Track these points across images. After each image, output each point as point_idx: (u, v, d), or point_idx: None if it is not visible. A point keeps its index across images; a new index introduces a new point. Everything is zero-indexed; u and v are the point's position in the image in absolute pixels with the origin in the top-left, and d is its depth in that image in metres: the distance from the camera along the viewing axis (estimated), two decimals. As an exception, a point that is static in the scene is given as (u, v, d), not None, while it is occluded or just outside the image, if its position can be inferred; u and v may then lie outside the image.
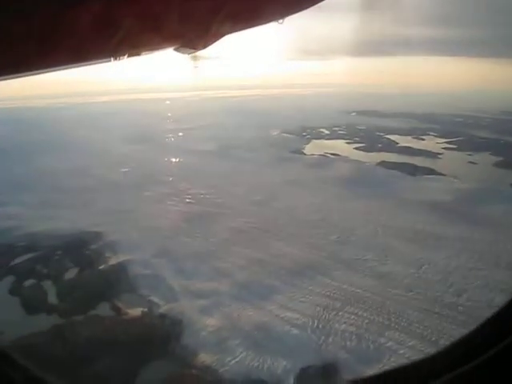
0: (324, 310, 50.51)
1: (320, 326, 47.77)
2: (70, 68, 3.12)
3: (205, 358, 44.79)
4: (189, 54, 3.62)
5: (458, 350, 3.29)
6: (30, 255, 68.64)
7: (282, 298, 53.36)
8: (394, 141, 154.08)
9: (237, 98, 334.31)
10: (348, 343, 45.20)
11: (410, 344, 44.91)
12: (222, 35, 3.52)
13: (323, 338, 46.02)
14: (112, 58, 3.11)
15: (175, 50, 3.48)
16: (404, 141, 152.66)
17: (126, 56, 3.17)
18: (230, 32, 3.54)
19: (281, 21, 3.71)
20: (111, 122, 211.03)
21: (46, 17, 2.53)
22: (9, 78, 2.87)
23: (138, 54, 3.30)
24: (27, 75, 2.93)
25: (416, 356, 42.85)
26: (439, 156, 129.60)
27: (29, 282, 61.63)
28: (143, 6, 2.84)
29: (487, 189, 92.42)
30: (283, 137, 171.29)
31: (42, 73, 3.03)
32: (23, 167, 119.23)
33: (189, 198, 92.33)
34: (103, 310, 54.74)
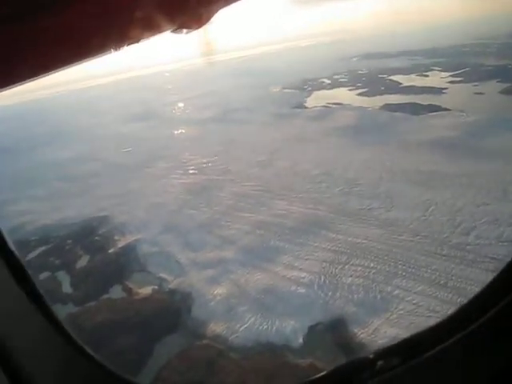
0: (330, 265, 50.14)
1: (327, 282, 47.53)
2: (74, 66, 3.16)
3: (215, 327, 45.20)
4: (186, 33, 3.55)
5: (450, 322, 3.39)
6: (42, 248, 69.67)
7: (287, 258, 53.16)
8: (397, 81, 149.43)
9: (235, 59, 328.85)
10: (355, 296, 44.89)
11: (417, 290, 44.39)
12: (217, 10, 3.50)
13: (330, 293, 45.84)
14: (112, 50, 3.12)
15: (172, 31, 3.43)
16: (407, 80, 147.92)
17: (125, 45, 3.19)
18: (225, 6, 3.55)
19: None
20: (110, 103, 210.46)
21: (44, 18, 2.53)
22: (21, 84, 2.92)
23: (137, 42, 3.29)
24: (36, 79, 2.98)
25: (423, 301, 42.64)
26: (444, 91, 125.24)
27: (43, 275, 62.54)
28: None
29: (494, 119, 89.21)
30: (284, 93, 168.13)
31: (47, 75, 3.04)
32: (29, 161, 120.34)
33: (192, 169, 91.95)
34: (116, 292, 55.49)
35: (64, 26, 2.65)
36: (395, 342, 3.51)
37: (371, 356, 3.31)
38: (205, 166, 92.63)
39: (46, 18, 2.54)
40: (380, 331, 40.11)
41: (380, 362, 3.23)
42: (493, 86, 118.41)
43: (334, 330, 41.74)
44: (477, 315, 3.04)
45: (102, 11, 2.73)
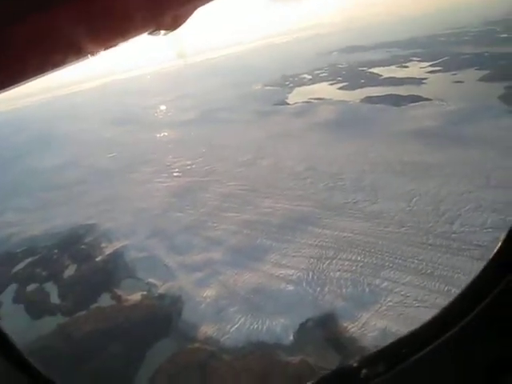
0: (317, 260, 50.21)
1: (315, 278, 47.58)
2: (50, 73, 3.06)
3: (206, 329, 45.08)
4: (164, 35, 3.48)
5: (430, 328, 3.34)
6: (29, 260, 69.15)
7: (275, 256, 53.14)
8: (377, 74, 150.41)
9: (215, 59, 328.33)
10: (344, 290, 45.00)
11: (405, 281, 44.60)
12: (194, 10, 3.44)
13: (319, 289, 45.89)
14: (89, 55, 3.05)
15: (149, 33, 3.35)
16: (387, 72, 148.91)
17: (102, 50, 3.10)
18: (202, 5, 3.46)
19: None
20: (94, 108, 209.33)
21: (18, 24, 2.46)
22: None
23: (114, 46, 3.19)
24: (12, 88, 2.89)
25: (411, 292, 42.92)
26: (424, 81, 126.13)
27: (31, 287, 62.07)
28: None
29: (474, 106, 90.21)
30: (266, 90, 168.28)
31: (24, 83, 2.98)
32: (14, 171, 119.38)
33: (176, 172, 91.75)
34: (105, 301, 55.09)
35: (38, 32, 2.60)
36: (380, 348, 3.50)
37: (355, 364, 3.30)
38: (189, 167, 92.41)
39: (20, 24, 2.48)
40: (369, 324, 40.27)
41: (364, 371, 3.23)
42: (471, 74, 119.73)
43: (324, 326, 41.79)
44: (464, 311, 3.05)
45: (76, 16, 2.68)
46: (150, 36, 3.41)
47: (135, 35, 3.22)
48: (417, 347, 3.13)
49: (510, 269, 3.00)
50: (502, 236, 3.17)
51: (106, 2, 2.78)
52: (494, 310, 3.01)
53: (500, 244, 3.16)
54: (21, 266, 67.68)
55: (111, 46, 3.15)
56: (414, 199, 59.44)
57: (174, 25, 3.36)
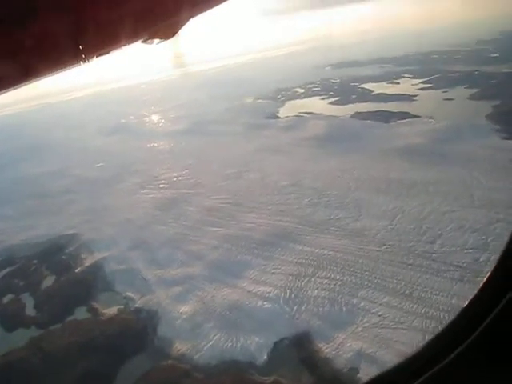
0: (296, 278, 49.64)
1: (292, 296, 46.99)
2: (40, 80, 3.06)
3: (180, 346, 44.33)
4: (157, 43, 3.54)
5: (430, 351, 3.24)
6: (7, 270, 68.16)
7: (253, 272, 52.57)
8: (368, 89, 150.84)
9: (209, 70, 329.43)
10: (320, 309, 44.44)
11: (383, 301, 44.11)
12: (188, 20, 3.49)
13: (296, 307, 45.30)
14: (81, 62, 3.03)
15: (143, 42, 3.39)
16: (379, 88, 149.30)
17: (95, 57, 3.12)
18: (195, 15, 3.52)
19: None
20: (86, 116, 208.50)
21: (12, 30, 2.47)
22: None
23: (107, 53, 3.23)
24: (4, 92, 2.89)
25: (389, 313, 42.36)
26: (414, 98, 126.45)
27: (7, 298, 61.07)
28: (106, 6, 2.79)
29: (462, 124, 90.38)
30: (257, 103, 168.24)
31: (13, 90, 2.98)
32: (1, 178, 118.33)
33: (162, 184, 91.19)
34: (81, 314, 54.21)
35: (31, 37, 2.56)
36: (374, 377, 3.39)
37: None
38: (175, 180, 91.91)
39: (14, 30, 2.47)
40: (345, 345, 39.66)
41: None
42: (461, 92, 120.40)
43: (299, 346, 41.15)
44: (465, 333, 2.94)
45: (69, 23, 2.66)
46: (143, 44, 3.49)
47: (128, 43, 3.26)
48: (415, 373, 3.03)
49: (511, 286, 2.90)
50: (501, 252, 3.03)
51: (99, 10, 2.78)
52: (495, 330, 2.89)
53: (498, 261, 3.07)
54: (-2, 276, 66.61)
55: (103, 54, 3.18)
56: (397, 217, 59.15)
57: (167, 34, 3.44)
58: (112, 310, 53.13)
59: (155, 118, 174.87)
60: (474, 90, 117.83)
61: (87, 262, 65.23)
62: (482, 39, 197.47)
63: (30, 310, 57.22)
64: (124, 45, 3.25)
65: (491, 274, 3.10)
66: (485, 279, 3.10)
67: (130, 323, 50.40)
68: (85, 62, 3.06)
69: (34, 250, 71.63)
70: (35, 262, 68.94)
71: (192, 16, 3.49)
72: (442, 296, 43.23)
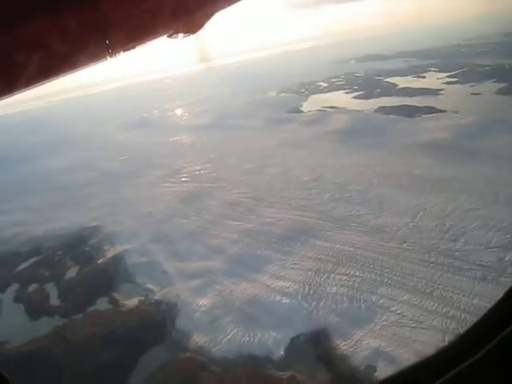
0: (315, 274, 49.39)
1: (311, 292, 46.78)
2: (68, 75, 3.11)
3: (198, 339, 44.62)
4: (183, 38, 3.59)
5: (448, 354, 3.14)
6: (33, 260, 69.66)
7: (273, 267, 52.48)
8: (393, 83, 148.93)
9: (233, 64, 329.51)
10: (339, 306, 44.11)
11: (402, 299, 43.51)
12: (213, 14, 3.51)
13: (314, 303, 45.07)
14: (108, 57, 3.10)
15: (169, 36, 3.44)
16: (404, 82, 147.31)
17: (121, 52, 3.18)
18: (221, 9, 3.54)
19: None
20: (111, 110, 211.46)
21: (36, 26, 2.49)
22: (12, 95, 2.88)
23: (134, 48, 3.30)
24: (27, 90, 2.93)
25: (408, 311, 41.81)
26: (440, 92, 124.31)
27: (32, 287, 62.42)
28: (133, 2, 2.86)
29: (489, 120, 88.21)
30: (281, 97, 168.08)
31: (42, 85, 3.02)
32: (24, 172, 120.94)
33: (184, 177, 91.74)
34: (102, 304, 55.02)
35: (58, 31, 2.61)
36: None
37: None
38: (197, 173, 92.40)
39: (40, 24, 2.49)
40: (362, 343, 39.32)
41: None
42: (489, 87, 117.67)
43: (316, 342, 40.95)
44: (478, 345, 2.83)
45: (96, 17, 2.70)
46: (168, 39, 3.52)
47: (154, 38, 3.32)
48: (434, 374, 2.95)
49: None
50: None
51: (125, 5, 2.84)
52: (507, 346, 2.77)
53: None
54: (24, 265, 68.16)
55: (130, 48, 3.25)
56: (419, 214, 58.24)
57: (192, 28, 3.47)
58: (132, 302, 53.77)
59: (178, 112, 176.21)
60: (503, 85, 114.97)
61: (109, 254, 66.13)
62: (509, 31, 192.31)
63: (54, 300, 58.40)
64: (150, 40, 3.31)
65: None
66: (509, 287, 2.99)
67: (150, 315, 50.92)
68: (111, 56, 3.11)
69: (59, 241, 72.94)
70: (59, 252, 70.23)
71: (217, 10, 3.51)
72: (464, 296, 42.41)
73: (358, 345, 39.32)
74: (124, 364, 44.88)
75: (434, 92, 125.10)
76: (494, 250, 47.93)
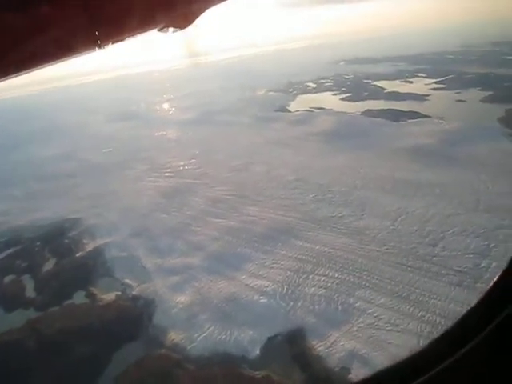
0: (294, 274, 49.44)
1: (289, 292, 46.81)
2: (58, 63, 3.12)
3: (174, 336, 44.39)
4: (173, 32, 3.58)
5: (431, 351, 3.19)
6: (11, 250, 68.57)
7: (252, 266, 52.43)
8: (381, 87, 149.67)
9: (224, 61, 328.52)
10: (316, 307, 44.21)
11: (379, 302, 43.75)
12: (205, 9, 3.50)
13: (292, 303, 45.11)
14: (97, 48, 3.07)
15: (159, 30, 3.44)
16: (391, 86, 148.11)
17: (110, 44, 3.16)
18: (213, 6, 3.54)
19: None
20: (99, 101, 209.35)
21: (24, 15, 2.49)
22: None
23: (123, 40, 3.26)
24: (16, 76, 2.93)
25: (384, 314, 42.06)
26: (426, 98, 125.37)
27: (8, 278, 61.48)
28: None
29: (473, 127, 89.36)
30: (269, 95, 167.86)
31: (30, 72, 3.02)
32: (9, 160, 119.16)
33: (168, 172, 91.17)
34: (79, 298, 54.40)
35: (47, 21, 2.57)
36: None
37: None
38: (181, 168, 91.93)
39: (30, 13, 2.48)
40: (338, 344, 39.47)
41: None
42: (474, 94, 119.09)
43: (292, 342, 41.02)
44: (456, 345, 2.85)
45: (85, 9, 2.67)
46: (159, 33, 3.53)
47: (144, 31, 3.31)
48: (405, 379, 3.01)
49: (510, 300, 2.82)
50: (504, 266, 2.94)
51: None
52: (489, 346, 2.82)
53: (500, 275, 3.00)
54: (1, 256, 67.08)
55: (119, 41, 3.22)
56: (400, 218, 58.65)
57: (183, 23, 3.46)
58: (110, 296, 53.29)
59: (166, 106, 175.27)
60: (488, 93, 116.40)
61: (89, 247, 65.43)
62: (497, 41, 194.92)
63: (30, 292, 57.57)
64: (139, 33, 3.31)
65: (491, 286, 3.02)
66: (484, 292, 3.03)
67: (127, 310, 50.56)
68: (100, 48, 3.11)
69: (38, 232, 72.01)
70: (38, 243, 69.29)
71: (209, 6, 3.52)
72: (440, 300, 42.82)
73: (334, 346, 39.45)
74: (98, 359, 44.40)
75: (421, 97, 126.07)
76: (472, 255, 48.46)
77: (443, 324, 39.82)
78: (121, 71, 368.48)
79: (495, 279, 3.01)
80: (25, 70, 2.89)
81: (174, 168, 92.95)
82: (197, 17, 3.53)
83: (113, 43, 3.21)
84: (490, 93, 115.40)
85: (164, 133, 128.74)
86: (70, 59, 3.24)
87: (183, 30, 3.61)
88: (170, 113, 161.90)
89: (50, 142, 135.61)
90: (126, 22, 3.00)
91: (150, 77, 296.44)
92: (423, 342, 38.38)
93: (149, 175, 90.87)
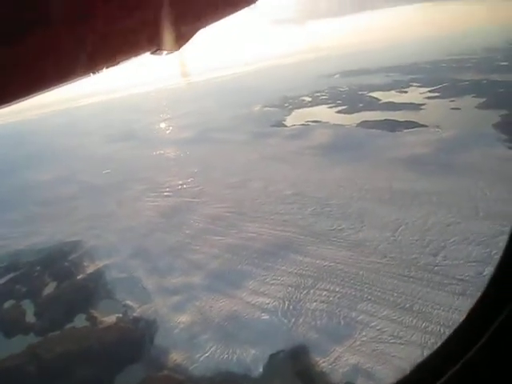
0: (295, 289, 49.08)
1: (291, 308, 46.42)
2: (49, 91, 2.96)
3: (176, 356, 43.96)
4: (166, 55, 3.45)
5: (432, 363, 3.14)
6: (11, 275, 68.31)
7: (253, 283, 52.08)
8: (376, 98, 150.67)
9: (218, 78, 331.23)
10: (318, 322, 43.80)
11: (382, 314, 43.35)
12: (197, 31, 3.47)
13: (293, 320, 44.70)
14: (91, 73, 2.98)
15: (152, 53, 3.32)
16: (386, 96, 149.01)
17: (104, 68, 3.05)
18: (205, 26, 3.51)
19: (253, 5, 3.60)
20: (95, 123, 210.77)
21: (21, 42, 2.45)
22: None
23: (117, 64, 3.14)
24: (13, 104, 2.77)
25: (388, 327, 41.64)
26: (422, 107, 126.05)
27: (8, 304, 61.13)
28: (116, 17, 2.82)
29: (468, 134, 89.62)
30: (265, 111, 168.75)
31: (25, 100, 2.89)
32: (8, 184, 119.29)
33: (167, 191, 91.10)
34: (80, 321, 54.05)
35: (40, 46, 2.54)
36: None
37: None
38: (180, 187, 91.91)
39: (22, 38, 2.43)
40: (341, 359, 39.01)
41: None
42: (469, 101, 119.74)
43: (295, 359, 40.58)
44: (461, 349, 2.79)
45: (77, 34, 2.66)
46: (152, 55, 3.43)
47: (137, 54, 3.22)
48: None
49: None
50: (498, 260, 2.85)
51: (108, 21, 2.79)
52: (495, 345, 2.72)
53: (497, 269, 2.91)
54: (1, 281, 66.77)
55: (112, 65, 3.13)
56: (400, 228, 58.43)
57: (176, 45, 3.39)
58: (111, 319, 52.92)
59: (163, 125, 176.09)
60: (482, 100, 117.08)
61: (89, 270, 65.14)
62: (490, 47, 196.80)
63: (30, 317, 57.18)
64: (133, 56, 3.21)
65: (490, 282, 2.96)
66: (482, 292, 2.97)
67: (128, 332, 50.14)
68: (94, 72, 3.03)
69: (38, 256, 71.76)
70: (38, 268, 69.02)
71: (202, 27, 3.49)
72: (443, 310, 42.44)
73: (338, 361, 39.00)
74: (100, 382, 44.06)
75: (416, 107, 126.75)
76: (474, 264, 48.13)
77: (447, 334, 39.38)
78: (118, 93, 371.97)
79: (491, 277, 2.94)
80: (16, 98, 2.76)
81: (172, 187, 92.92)
82: (190, 38, 3.49)
83: (107, 67, 3.11)
84: (485, 99, 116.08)
85: (162, 152, 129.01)
86: (63, 85, 3.09)
87: (176, 52, 3.50)
88: (167, 132, 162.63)
89: (50, 166, 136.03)
90: (120, 47, 3.02)
91: (147, 97, 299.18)
92: (427, 354, 37.97)
93: (147, 195, 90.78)
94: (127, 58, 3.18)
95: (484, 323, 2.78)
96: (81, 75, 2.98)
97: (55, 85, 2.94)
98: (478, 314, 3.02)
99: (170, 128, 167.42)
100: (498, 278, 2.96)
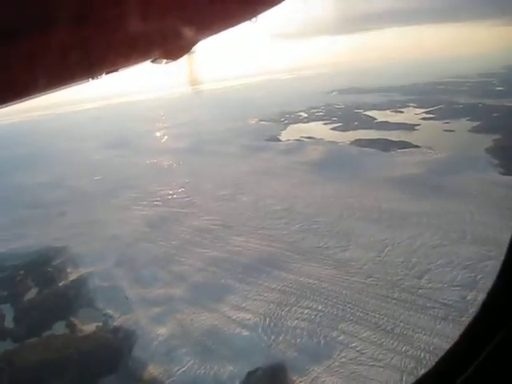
0: (277, 306, 48.58)
1: (271, 325, 45.90)
2: (49, 93, 3.15)
3: (153, 369, 43.24)
4: (165, 63, 3.60)
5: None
6: (-8, 279, 67.26)
7: (235, 298, 51.55)
8: (371, 117, 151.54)
9: (218, 90, 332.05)
10: (298, 340, 43.27)
11: (363, 336, 42.92)
12: (197, 42, 3.54)
13: (273, 337, 44.18)
14: (90, 78, 3.13)
15: (152, 61, 3.47)
16: (382, 115, 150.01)
17: (103, 74, 3.21)
18: (205, 38, 3.56)
19: (254, 19, 3.66)
20: (91, 129, 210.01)
21: (21, 45, 2.56)
22: None
23: (116, 71, 3.32)
24: (10, 105, 2.97)
25: (367, 349, 41.17)
26: (416, 128, 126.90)
27: (-13, 308, 60.11)
28: (117, 25, 2.86)
29: (460, 157, 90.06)
30: (260, 125, 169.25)
31: (21, 102, 3.05)
32: (2, 185, 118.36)
33: (157, 201, 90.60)
34: (59, 328, 53.15)
35: (41, 50, 2.60)
36: None
37: None
38: (170, 197, 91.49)
39: (25, 42, 2.51)
40: (318, 380, 38.47)
41: None
42: (463, 124, 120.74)
43: (273, 377, 39.98)
44: (458, 369, 2.63)
45: (80, 39, 2.71)
46: (152, 64, 3.55)
47: (137, 62, 3.35)
48: None
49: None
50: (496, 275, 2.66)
51: (110, 29, 2.82)
52: (491, 365, 2.54)
53: (494, 285, 2.72)
54: (-18, 284, 65.80)
55: (113, 71, 3.26)
56: (386, 249, 58.22)
57: (176, 55, 3.50)
58: (90, 327, 52.17)
59: (158, 134, 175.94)
60: (476, 123, 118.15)
61: (72, 277, 64.32)
62: (487, 72, 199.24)
63: (8, 322, 56.24)
64: (133, 64, 3.36)
65: (488, 299, 2.79)
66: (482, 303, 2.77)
67: (107, 342, 49.37)
68: (94, 77, 3.16)
69: (23, 260, 70.72)
70: (22, 272, 68.02)
71: (202, 38, 3.55)
72: (425, 334, 42.11)
73: (315, 382, 38.45)
74: (74, 394, 43.24)
75: (411, 127, 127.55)
76: (458, 288, 47.95)
77: (427, 359, 39.04)
78: (116, 99, 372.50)
79: (485, 297, 2.77)
80: (17, 99, 2.92)
81: (162, 197, 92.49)
82: (189, 48, 3.58)
83: (106, 74, 3.24)
84: (478, 123, 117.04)
85: (155, 161, 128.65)
86: (64, 89, 3.25)
87: (175, 61, 3.63)
88: (162, 141, 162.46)
89: (42, 169, 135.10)
90: (121, 54, 3.06)
91: (144, 105, 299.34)
92: (406, 378, 37.52)
93: (137, 203, 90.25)
94: (127, 65, 3.34)
95: (480, 343, 2.61)
96: (81, 79, 3.14)
97: (55, 88, 3.08)
98: (474, 334, 2.86)
99: (165, 137, 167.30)
100: (494, 299, 2.78)
